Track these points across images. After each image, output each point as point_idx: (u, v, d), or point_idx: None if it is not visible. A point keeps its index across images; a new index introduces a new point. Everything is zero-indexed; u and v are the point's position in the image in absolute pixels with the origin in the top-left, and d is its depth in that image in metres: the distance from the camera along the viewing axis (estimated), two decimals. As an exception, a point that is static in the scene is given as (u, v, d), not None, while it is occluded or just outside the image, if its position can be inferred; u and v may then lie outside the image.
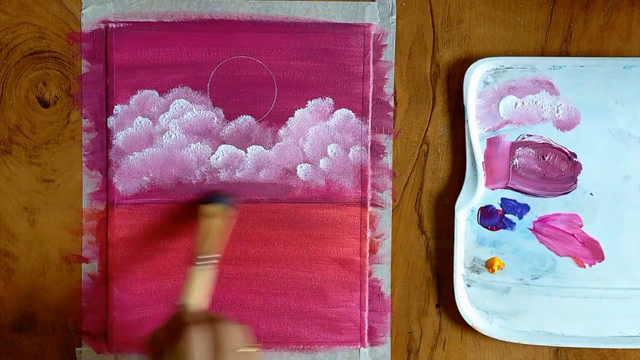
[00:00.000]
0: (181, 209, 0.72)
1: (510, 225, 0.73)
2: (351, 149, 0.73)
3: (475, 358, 0.74)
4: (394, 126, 0.73)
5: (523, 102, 0.73)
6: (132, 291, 0.73)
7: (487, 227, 0.73)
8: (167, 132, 0.73)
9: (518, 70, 0.73)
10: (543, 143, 0.73)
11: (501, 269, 0.73)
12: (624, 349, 0.74)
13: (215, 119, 0.73)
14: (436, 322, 0.74)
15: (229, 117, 0.73)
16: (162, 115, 0.73)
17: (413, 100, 0.73)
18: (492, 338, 0.73)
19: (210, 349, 0.56)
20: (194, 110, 0.73)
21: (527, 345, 0.74)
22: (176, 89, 0.73)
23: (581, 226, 0.73)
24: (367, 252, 0.73)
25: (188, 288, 0.64)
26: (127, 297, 0.73)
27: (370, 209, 0.73)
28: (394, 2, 0.73)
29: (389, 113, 0.73)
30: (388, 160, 0.73)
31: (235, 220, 0.72)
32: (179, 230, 0.73)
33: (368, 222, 0.73)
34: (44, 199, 0.73)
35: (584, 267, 0.73)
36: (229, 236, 0.73)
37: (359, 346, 0.74)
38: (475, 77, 0.72)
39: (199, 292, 0.64)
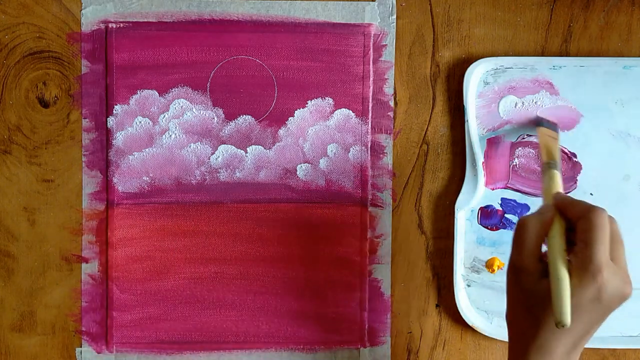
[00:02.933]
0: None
1: (510, 225, 0.73)
2: (351, 149, 0.73)
3: (475, 358, 0.74)
4: (394, 126, 0.73)
5: (523, 102, 0.73)
6: (132, 291, 0.73)
7: (487, 227, 0.73)
8: (167, 132, 0.73)
9: (518, 70, 0.73)
10: (543, 143, 0.73)
11: (501, 269, 0.73)
12: (624, 349, 0.74)
13: (215, 119, 0.73)
14: (436, 322, 0.74)
15: (229, 117, 0.73)
16: (162, 115, 0.73)
17: (413, 100, 0.73)
18: (492, 338, 0.73)
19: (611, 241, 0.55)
20: (194, 110, 0.73)
21: (527, 345, 0.74)
22: (176, 89, 0.73)
23: (581, 226, 0.73)
24: (367, 252, 0.73)
25: (546, 189, 0.62)
26: (127, 297, 0.73)
27: (370, 209, 0.73)
28: (394, 2, 0.73)
29: (389, 113, 0.73)
30: (388, 160, 0.73)
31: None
32: (179, 230, 0.73)
33: (368, 222, 0.73)
34: (44, 199, 0.73)
35: (584, 267, 0.73)
36: (229, 237, 0.73)
37: (359, 346, 0.74)
38: (475, 77, 0.72)
39: (557, 190, 0.62)
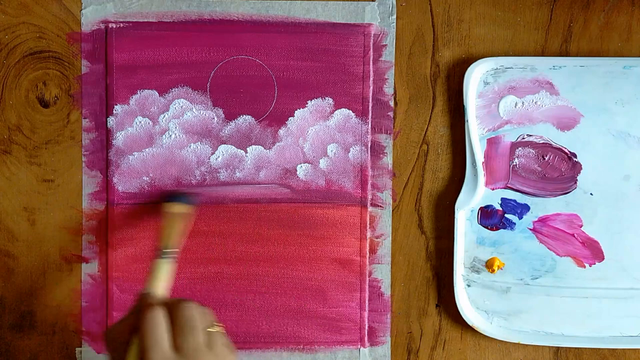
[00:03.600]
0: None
1: (510, 225, 0.73)
2: (351, 149, 0.73)
3: (475, 358, 0.74)
4: (394, 126, 0.73)
5: (523, 102, 0.73)
6: (132, 291, 0.73)
7: (487, 227, 0.73)
8: (167, 132, 0.73)
9: (518, 70, 0.73)
10: (543, 143, 0.73)
11: (501, 269, 0.73)
12: (624, 349, 0.74)
13: (215, 119, 0.73)
14: (436, 322, 0.74)
15: (229, 117, 0.73)
16: (162, 115, 0.73)
17: (413, 100, 0.73)
18: (492, 338, 0.73)
19: (172, 329, 0.55)
20: (194, 110, 0.73)
21: (527, 345, 0.74)
22: (176, 89, 0.73)
23: (581, 226, 0.73)
24: (367, 252, 0.73)
25: (151, 279, 0.64)
26: (127, 297, 0.73)
27: (370, 209, 0.73)
28: (394, 2, 0.73)
29: (389, 113, 0.73)
30: (388, 160, 0.73)
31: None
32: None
33: (368, 222, 0.73)
34: (44, 199, 0.73)
35: (584, 267, 0.73)
36: (229, 237, 0.73)
37: (359, 346, 0.74)
38: (475, 77, 0.72)
39: (161, 284, 0.64)
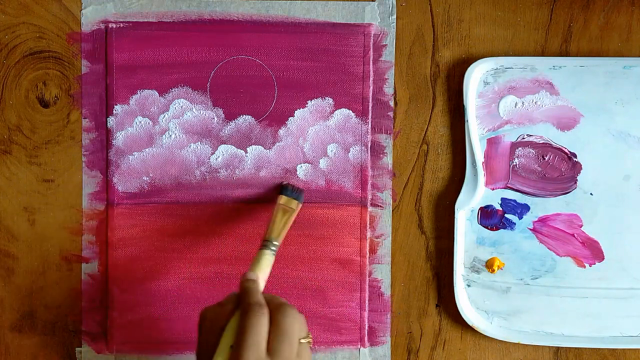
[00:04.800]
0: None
1: (510, 225, 0.73)
2: (351, 149, 0.73)
3: (475, 358, 0.74)
4: (394, 126, 0.73)
5: (523, 102, 0.73)
6: (132, 291, 0.73)
7: (487, 227, 0.73)
8: (167, 132, 0.73)
9: (518, 70, 0.73)
10: (543, 143, 0.73)
11: (501, 269, 0.73)
12: (624, 349, 0.74)
13: (215, 119, 0.73)
14: (436, 322, 0.74)
15: (229, 117, 0.73)
16: (162, 115, 0.73)
17: (413, 100, 0.73)
18: (492, 338, 0.73)
19: (271, 330, 0.55)
20: (194, 110, 0.73)
21: (527, 345, 0.74)
22: (176, 89, 0.73)
23: (581, 226, 0.73)
24: (367, 252, 0.73)
25: (255, 267, 0.64)
26: (127, 297, 0.73)
27: (370, 209, 0.73)
28: (394, 2, 0.73)
29: (389, 113, 0.73)
30: (388, 160, 0.73)
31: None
32: (179, 230, 0.73)
33: (368, 222, 0.73)
34: (44, 199, 0.73)
35: (584, 267, 0.73)
36: (229, 237, 0.73)
37: (359, 346, 0.74)
38: (475, 77, 0.72)
39: (263, 274, 0.64)
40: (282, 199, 0.70)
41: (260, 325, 0.55)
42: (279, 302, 0.57)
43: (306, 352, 0.57)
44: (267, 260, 0.65)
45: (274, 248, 0.66)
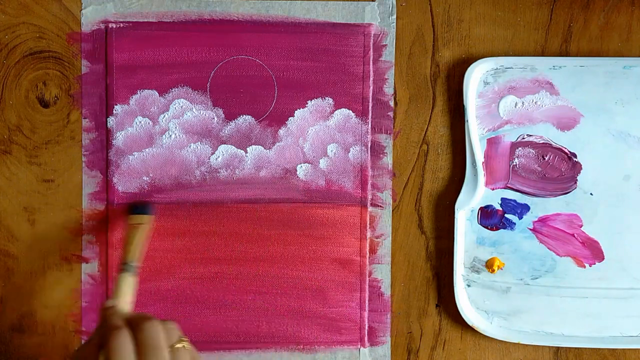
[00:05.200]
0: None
1: (510, 225, 0.73)
2: (351, 149, 0.73)
3: (475, 358, 0.74)
4: (394, 126, 0.73)
5: (523, 102, 0.73)
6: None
7: (487, 227, 0.73)
8: (167, 132, 0.73)
9: (518, 70, 0.73)
10: (543, 143, 0.73)
11: (501, 269, 0.73)
12: (624, 349, 0.74)
13: (215, 119, 0.73)
14: (436, 322, 0.74)
15: (229, 117, 0.73)
16: (162, 115, 0.73)
17: (413, 100, 0.73)
18: (492, 338, 0.73)
19: (137, 349, 0.54)
20: (194, 110, 0.73)
21: (527, 345, 0.74)
22: (176, 89, 0.73)
23: (581, 226, 0.73)
24: (367, 252, 0.73)
25: (116, 293, 0.65)
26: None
27: (370, 209, 0.73)
28: (394, 2, 0.73)
29: (389, 113, 0.73)
30: (388, 160, 0.73)
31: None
32: (179, 230, 0.73)
33: (368, 222, 0.73)
34: (44, 199, 0.73)
35: (584, 267, 0.73)
36: (229, 237, 0.73)
37: (359, 346, 0.74)
38: (475, 77, 0.72)
39: (126, 298, 0.65)
40: (131, 219, 0.70)
41: (121, 346, 0.54)
42: (139, 317, 0.57)
43: (185, 356, 0.56)
44: (127, 283, 0.65)
45: (132, 269, 0.67)
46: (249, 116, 0.73)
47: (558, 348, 0.74)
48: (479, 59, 0.72)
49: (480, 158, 0.72)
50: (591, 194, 0.73)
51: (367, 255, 0.73)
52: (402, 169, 0.74)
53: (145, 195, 0.73)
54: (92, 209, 0.73)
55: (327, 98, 0.73)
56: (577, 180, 0.73)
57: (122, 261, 0.67)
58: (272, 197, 0.73)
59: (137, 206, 0.71)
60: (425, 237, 0.74)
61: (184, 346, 0.57)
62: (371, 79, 0.73)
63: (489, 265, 0.73)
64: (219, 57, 0.73)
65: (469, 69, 0.72)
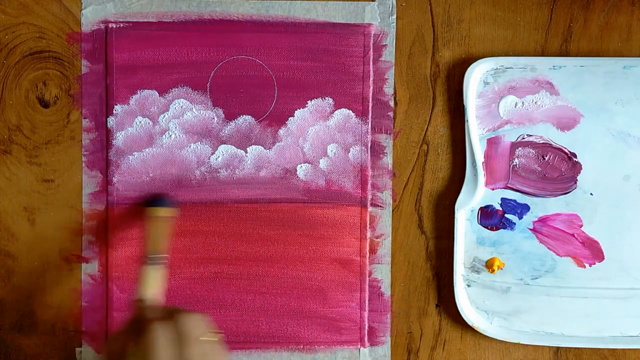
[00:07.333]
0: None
1: (510, 225, 0.73)
2: (351, 149, 0.73)
3: (475, 358, 0.74)
4: (394, 126, 0.73)
5: (523, 102, 0.73)
6: (132, 291, 0.73)
7: (487, 227, 0.73)
8: (167, 132, 0.73)
9: (518, 70, 0.73)
10: (543, 143, 0.73)
11: (501, 269, 0.73)
12: (624, 349, 0.74)
13: (215, 119, 0.73)
14: (436, 322, 0.74)
15: (229, 117, 0.73)
16: (162, 115, 0.73)
17: (413, 100, 0.73)
18: (492, 338, 0.73)
19: (173, 341, 0.56)
20: (194, 110, 0.73)
21: (527, 345, 0.74)
22: (176, 89, 0.73)
23: (581, 226, 0.73)
24: (367, 252, 0.73)
25: (142, 285, 0.65)
26: (127, 297, 0.73)
27: (370, 209, 0.73)
28: (394, 2, 0.73)
29: (389, 113, 0.73)
30: (388, 160, 0.73)
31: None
32: (179, 230, 0.73)
33: (368, 222, 0.73)
34: (44, 199, 0.73)
35: (584, 267, 0.73)
36: (229, 237, 0.73)
37: (359, 346, 0.74)
38: (475, 77, 0.72)
39: (153, 289, 0.65)
40: (150, 211, 0.70)
41: (158, 342, 0.55)
42: (172, 310, 0.58)
43: (212, 349, 0.57)
44: (154, 275, 0.66)
45: (156, 261, 0.67)
46: (249, 116, 0.73)
47: (558, 348, 0.74)
48: (479, 59, 0.72)
49: (480, 158, 0.72)
50: (591, 194, 0.73)
51: (367, 255, 0.73)
52: (402, 169, 0.74)
53: (145, 196, 0.73)
54: (92, 209, 0.73)
55: (327, 98, 0.73)
56: (577, 180, 0.73)
57: (145, 254, 0.67)
58: (272, 197, 0.73)
59: (155, 199, 0.71)
60: (425, 237, 0.74)
61: (213, 339, 0.58)
62: (371, 79, 0.73)
63: (489, 265, 0.73)
64: (219, 57, 0.73)
65: (469, 69, 0.72)
